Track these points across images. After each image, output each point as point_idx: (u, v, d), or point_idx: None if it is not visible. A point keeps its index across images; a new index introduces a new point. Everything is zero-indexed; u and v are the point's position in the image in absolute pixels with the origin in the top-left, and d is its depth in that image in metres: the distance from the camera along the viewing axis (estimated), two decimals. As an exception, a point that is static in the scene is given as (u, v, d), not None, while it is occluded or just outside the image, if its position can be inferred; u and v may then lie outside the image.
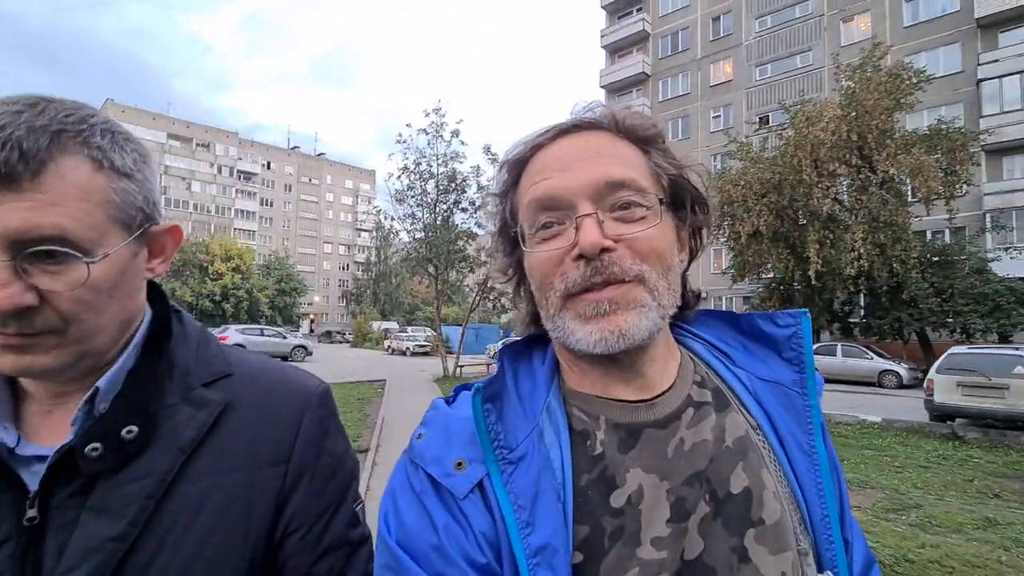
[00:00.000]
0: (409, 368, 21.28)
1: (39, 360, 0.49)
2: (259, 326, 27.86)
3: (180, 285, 51.58)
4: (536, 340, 0.68)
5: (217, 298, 52.01)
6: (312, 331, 54.91)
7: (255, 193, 72.41)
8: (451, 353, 19.98)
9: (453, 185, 17.79)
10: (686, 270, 0.68)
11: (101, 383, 0.54)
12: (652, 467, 0.57)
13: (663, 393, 0.61)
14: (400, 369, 20.56)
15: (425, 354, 29.47)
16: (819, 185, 15.93)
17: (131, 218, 0.53)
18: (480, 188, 17.82)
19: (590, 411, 0.61)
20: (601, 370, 0.61)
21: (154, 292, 0.64)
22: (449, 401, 0.66)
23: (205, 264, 53.30)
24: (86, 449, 0.50)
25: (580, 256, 0.55)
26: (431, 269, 18.54)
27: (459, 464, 0.57)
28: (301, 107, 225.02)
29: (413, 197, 18.18)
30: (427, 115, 17.65)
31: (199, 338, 0.64)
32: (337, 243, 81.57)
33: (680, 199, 0.64)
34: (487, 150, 17.30)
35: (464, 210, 17.82)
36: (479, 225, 17.93)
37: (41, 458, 0.52)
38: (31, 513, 0.50)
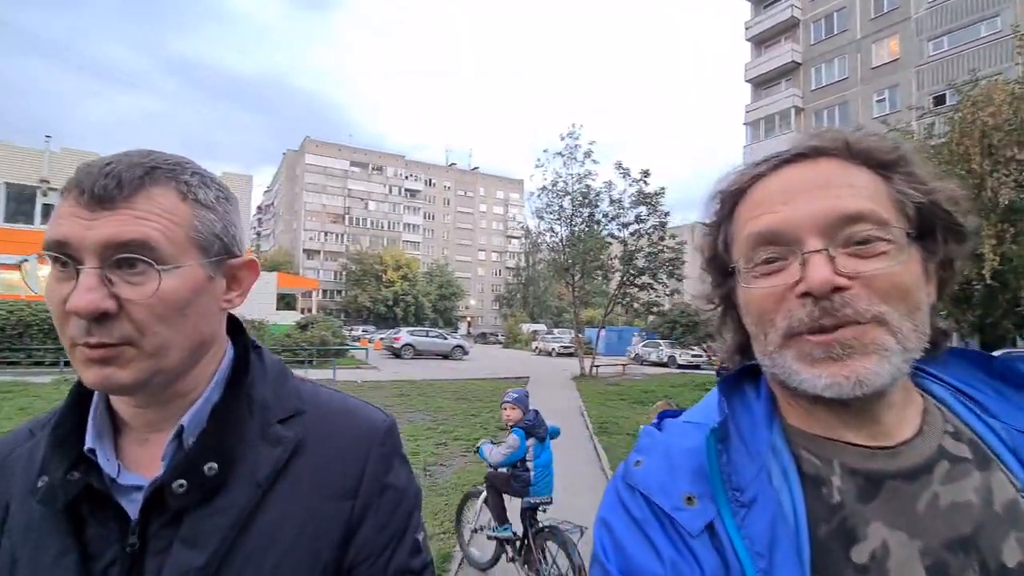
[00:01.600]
0: (552, 367, 23.02)
1: (118, 373, 0.52)
2: (424, 328, 31.80)
3: (360, 292, 59.88)
4: (746, 372, 0.64)
5: (390, 303, 59.23)
6: (469, 332, 59.78)
7: (419, 208, 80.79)
8: (592, 354, 21.37)
9: (586, 200, 19.25)
10: (933, 306, 0.58)
11: (185, 420, 0.58)
12: (899, 523, 0.51)
13: (906, 442, 0.55)
14: (544, 368, 22.41)
15: (570, 355, 31.17)
16: (993, 174, 14.43)
17: (208, 243, 0.57)
18: (612, 202, 19.08)
19: (821, 454, 0.55)
20: (827, 411, 0.55)
21: (235, 328, 0.68)
22: (658, 428, 0.64)
23: (379, 273, 61.09)
24: (173, 485, 0.55)
25: (807, 294, 0.50)
26: (568, 278, 20.19)
27: (689, 499, 0.54)
28: (456, 122, 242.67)
29: (551, 213, 20.02)
30: (563, 139, 19.44)
31: (277, 374, 0.67)
32: (490, 250, 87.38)
33: (929, 227, 0.56)
34: (619, 166, 18.50)
35: (597, 222, 19.14)
36: (612, 236, 19.15)
37: (138, 487, 0.57)
38: (132, 540, 0.54)
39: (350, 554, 0.62)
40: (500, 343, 47.95)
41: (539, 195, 20.20)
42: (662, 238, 19.50)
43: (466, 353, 27.26)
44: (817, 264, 0.50)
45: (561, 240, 20.03)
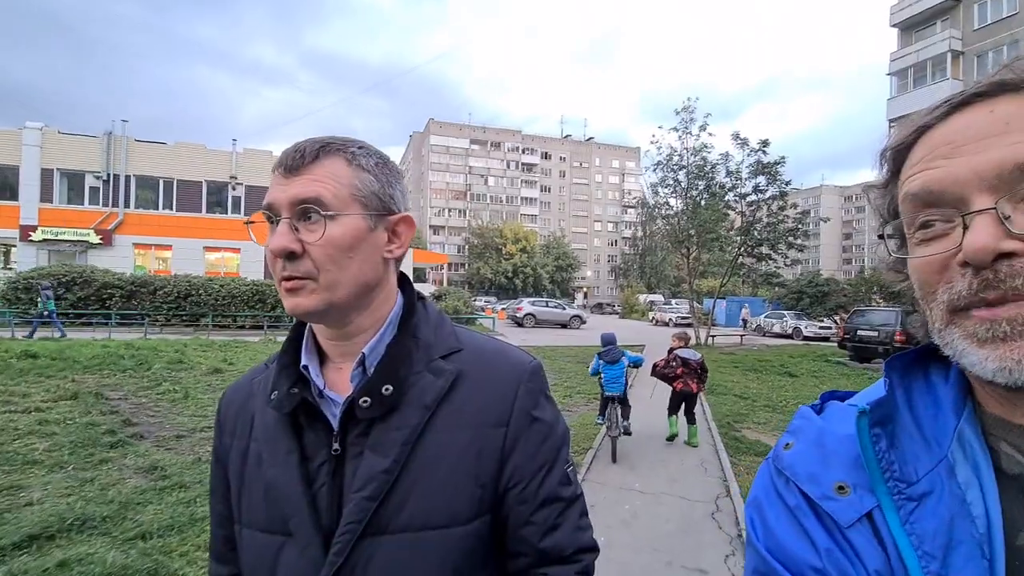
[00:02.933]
0: (667, 337, 23.54)
1: (303, 302, 0.68)
2: (544, 299, 33.53)
3: (483, 265, 63.35)
4: (934, 352, 0.52)
5: (509, 275, 62.03)
6: (585, 303, 60.94)
7: (535, 182, 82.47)
8: (708, 324, 21.64)
9: (702, 173, 19.38)
10: None
11: (366, 349, 0.73)
12: None
13: None
14: (659, 337, 22.98)
15: (688, 325, 31.39)
16: None
17: (368, 199, 0.71)
18: (729, 173, 19.05)
19: None
20: None
21: (404, 283, 0.82)
22: (817, 410, 0.59)
23: (499, 247, 64.02)
24: (359, 401, 0.69)
25: (966, 263, 0.43)
26: (683, 250, 20.57)
27: (841, 488, 0.50)
28: (570, 91, 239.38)
29: (666, 187, 20.42)
30: (677, 113, 19.61)
31: (437, 320, 0.80)
32: (606, 221, 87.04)
33: None
34: (735, 136, 18.40)
35: (714, 195, 19.24)
36: (728, 207, 19.17)
37: (336, 403, 0.72)
38: (335, 445, 0.70)
39: (504, 477, 0.72)
40: (616, 314, 48.58)
41: (654, 169, 20.67)
42: (783, 208, 19.12)
43: (584, 322, 28.58)
44: (979, 227, 0.43)
45: (677, 213, 20.40)
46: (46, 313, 14.49)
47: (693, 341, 20.44)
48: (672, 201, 20.41)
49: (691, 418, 6.40)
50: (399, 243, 0.76)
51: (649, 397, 8.47)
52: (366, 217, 0.70)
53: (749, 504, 0.59)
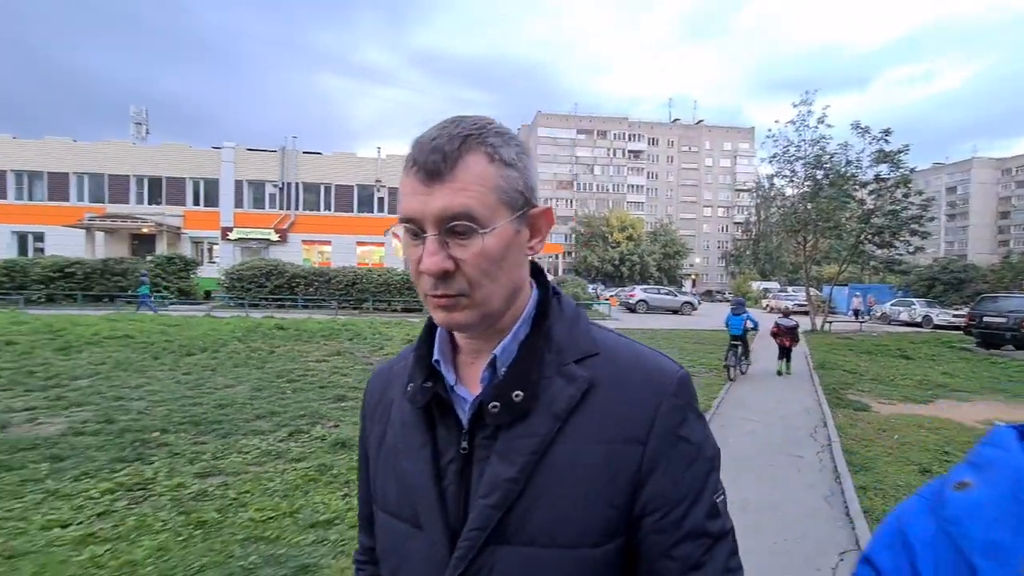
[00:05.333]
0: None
1: (456, 317, 0.64)
2: (656, 286, 34.76)
3: (589, 253, 64.89)
4: None
5: (616, 262, 63.03)
6: (693, 291, 60.47)
7: (642, 168, 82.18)
8: (825, 311, 21.89)
9: (819, 163, 19.75)
10: None
11: (497, 351, 0.68)
12: None
13: None
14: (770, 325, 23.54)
15: (805, 312, 31.19)
16: None
17: (513, 200, 0.64)
18: (848, 163, 19.29)
19: None
20: None
21: (538, 275, 0.75)
22: (1021, 435, 0.41)
23: (606, 235, 65.14)
24: (488, 405, 0.65)
25: None
26: (799, 238, 21.05)
27: None
28: (678, 71, 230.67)
29: (782, 178, 20.99)
30: (795, 106, 20.07)
31: (573, 317, 0.72)
32: (716, 206, 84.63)
33: None
34: (855, 126, 18.65)
35: (832, 183, 19.54)
36: (848, 196, 19.38)
37: (466, 400, 0.68)
38: (464, 444, 0.67)
39: (640, 502, 0.63)
40: (726, 301, 48.15)
41: (770, 162, 21.27)
42: (906, 195, 19.00)
43: (695, 308, 29.56)
44: None
45: (793, 203, 20.93)
46: (141, 296, 18.37)
47: (809, 328, 21.11)
48: (789, 191, 20.97)
49: (788, 360, 10.59)
50: (540, 238, 0.70)
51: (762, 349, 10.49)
52: (513, 220, 0.65)
53: (861, 563, 0.44)
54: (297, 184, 30.01)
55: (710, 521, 0.65)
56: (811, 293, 23.11)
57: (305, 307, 22.24)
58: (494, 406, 0.64)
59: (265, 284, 22.72)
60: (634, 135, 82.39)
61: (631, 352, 0.71)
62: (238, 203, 29.48)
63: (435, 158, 0.61)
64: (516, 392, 0.65)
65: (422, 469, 0.68)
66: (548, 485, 0.63)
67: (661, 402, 0.66)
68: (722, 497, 0.68)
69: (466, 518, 0.64)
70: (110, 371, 8.14)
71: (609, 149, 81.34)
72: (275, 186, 29.93)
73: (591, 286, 48.73)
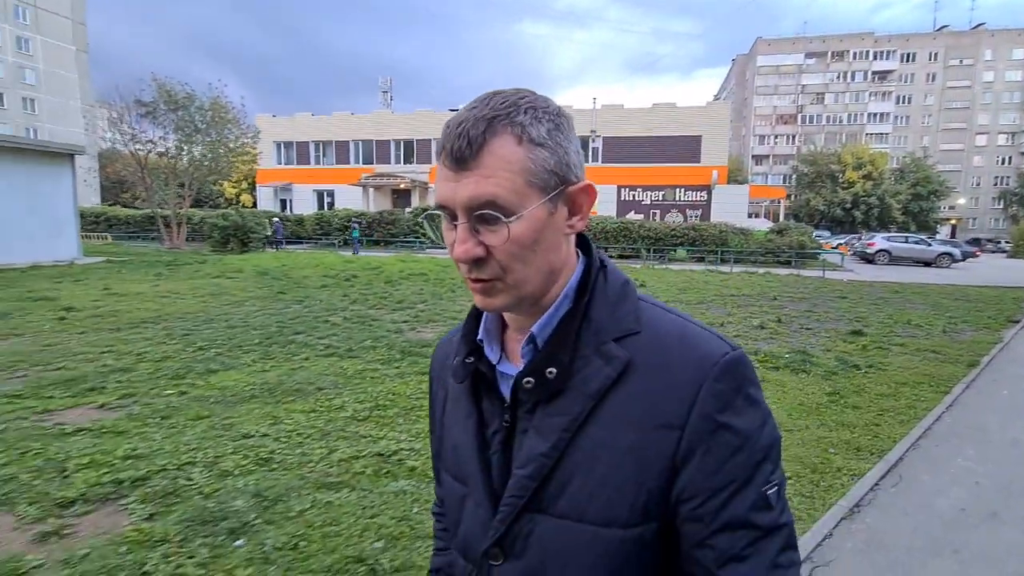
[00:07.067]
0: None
1: (493, 301, 0.65)
2: (903, 234, 30.42)
3: (813, 196, 57.96)
4: None
5: (847, 206, 55.34)
6: (952, 238, 50.46)
7: (889, 93, 69.11)
8: None
9: None
10: None
11: (535, 328, 0.68)
12: None
13: None
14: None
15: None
16: None
17: (544, 182, 0.62)
18: None
19: None
20: None
21: (586, 247, 0.73)
22: None
23: (836, 174, 57.21)
24: (523, 381, 0.66)
25: None
26: None
27: None
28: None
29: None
30: None
31: (618, 293, 0.70)
32: (995, 132, 67.62)
33: None
34: None
35: None
36: None
37: (509, 375, 0.70)
38: (506, 417, 0.69)
39: (676, 488, 0.62)
40: (1003, 252, 39.58)
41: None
42: None
43: (955, 260, 25.41)
44: None
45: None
46: (355, 239, 23.73)
47: None
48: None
49: None
50: (580, 215, 0.67)
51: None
52: (545, 203, 0.62)
53: None
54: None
55: (756, 513, 0.61)
56: None
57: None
58: (528, 382, 0.65)
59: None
60: (881, 52, 69.17)
61: (676, 331, 0.67)
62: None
63: (461, 144, 0.60)
64: (550, 369, 0.65)
65: (468, 438, 0.72)
66: (580, 463, 0.63)
67: (701, 386, 0.62)
68: (775, 489, 0.63)
69: (508, 484, 0.67)
70: (430, 298, 11.01)
71: (845, 73, 69.82)
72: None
73: (815, 233, 44.22)
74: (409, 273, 14.63)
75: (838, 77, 70.09)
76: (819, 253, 24.21)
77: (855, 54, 69.48)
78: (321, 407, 4.66)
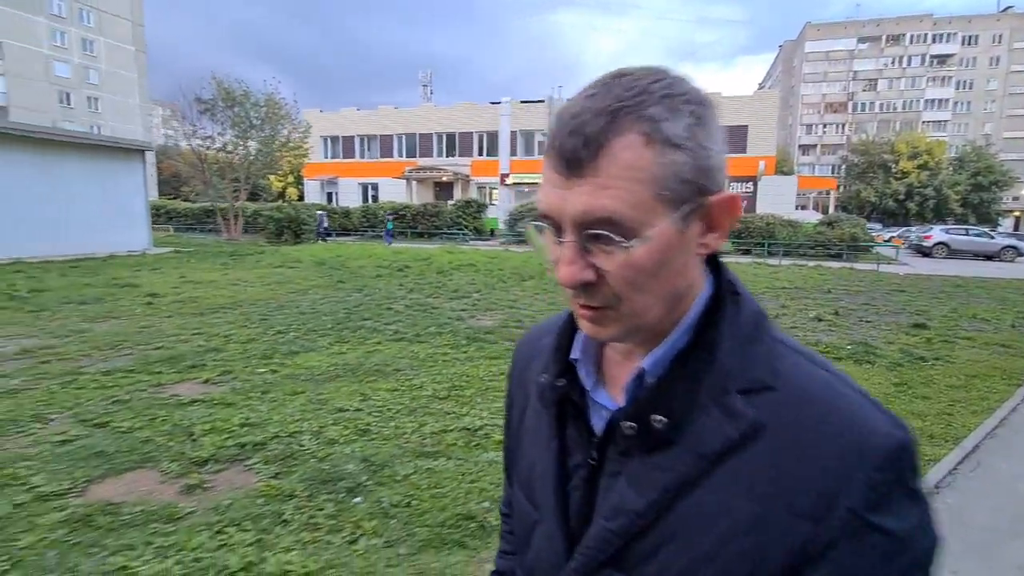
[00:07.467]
0: None
1: (602, 331, 0.55)
2: (962, 226, 29.16)
3: (864, 187, 55.82)
4: None
5: (900, 197, 53.14)
6: (1016, 230, 47.82)
7: (949, 78, 65.80)
8: None
9: None
10: None
11: (646, 364, 0.56)
12: None
13: None
14: None
15: None
16: None
17: (678, 193, 0.49)
18: None
19: None
20: None
21: (715, 268, 0.60)
22: None
23: (889, 164, 54.92)
24: (623, 425, 0.55)
25: None
26: None
27: None
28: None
29: None
30: None
31: (751, 331, 0.57)
32: (1067, 118, 63.64)
33: None
34: None
35: None
36: None
37: (603, 407, 0.60)
38: (593, 454, 0.59)
39: None
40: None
41: None
42: None
43: (1020, 254, 24.19)
44: None
45: None
46: (388, 230, 24.63)
47: None
48: None
49: None
50: (719, 232, 0.54)
51: None
52: (676, 220, 0.50)
53: None
54: (561, 131, 32.80)
55: None
56: None
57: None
58: (630, 427, 0.54)
59: (542, 224, 26.29)
60: (940, 35, 65.81)
61: (826, 395, 0.52)
62: (513, 151, 33.62)
63: (574, 143, 0.48)
64: (657, 417, 0.53)
65: (547, 464, 0.63)
66: (679, 531, 0.52)
67: (854, 474, 0.48)
68: None
69: (587, 525, 0.58)
70: (483, 288, 11.31)
71: (901, 57, 66.76)
72: (543, 134, 33.13)
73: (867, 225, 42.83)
74: (458, 264, 14.99)
75: (893, 62, 67.08)
76: (872, 246, 23.47)
77: (912, 37, 66.30)
78: (402, 386, 4.98)
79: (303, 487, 3.12)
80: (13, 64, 50.15)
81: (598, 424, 0.60)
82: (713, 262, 0.60)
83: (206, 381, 5.02)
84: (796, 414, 0.51)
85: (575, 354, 0.63)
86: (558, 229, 0.52)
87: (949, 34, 65.70)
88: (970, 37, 65.64)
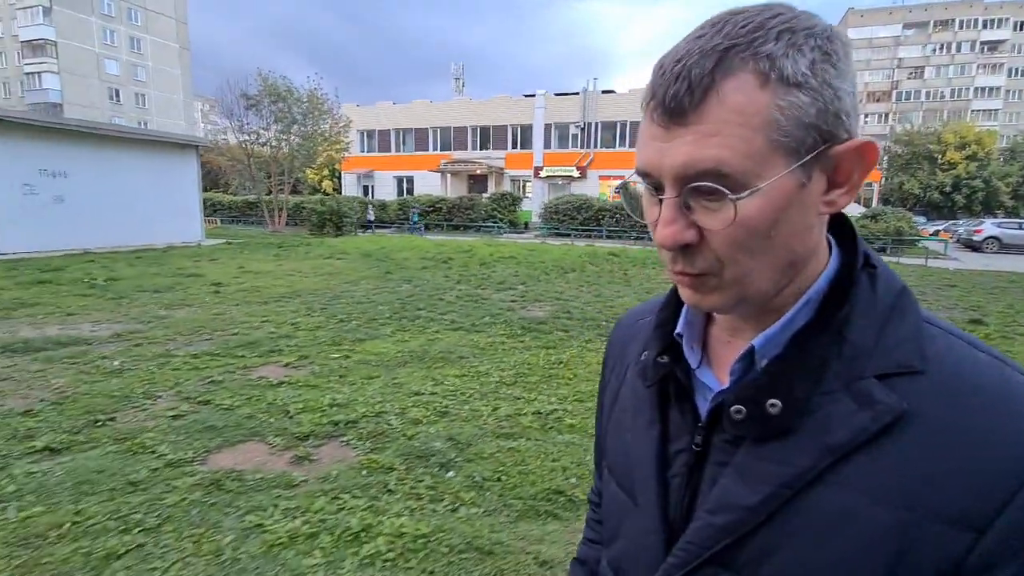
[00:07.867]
0: None
1: (705, 299, 0.49)
2: (1015, 219, 28.09)
3: (908, 179, 53.94)
4: None
5: (947, 189, 51.23)
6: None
7: (1001, 65, 62.84)
8: None
9: None
10: None
11: (757, 341, 0.50)
12: None
13: None
14: None
15: None
16: None
17: (798, 140, 0.42)
18: None
19: None
20: None
21: (844, 233, 0.53)
22: None
23: (935, 155, 52.95)
24: (731, 408, 0.49)
25: None
26: None
27: None
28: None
29: None
30: None
31: (891, 307, 0.48)
32: None
33: None
34: None
35: None
36: None
37: (710, 389, 0.54)
38: (697, 439, 0.53)
39: None
40: None
41: None
42: None
43: (1078, 250, 23.21)
44: None
45: None
46: (414, 222, 26.17)
47: None
48: None
49: None
50: (847, 187, 0.47)
51: None
52: (795, 171, 0.43)
53: None
54: (596, 123, 32.67)
55: None
56: None
57: (608, 237, 25.08)
58: (738, 411, 0.49)
59: (576, 216, 26.30)
60: (991, 21, 62.85)
61: (995, 382, 0.44)
62: (547, 144, 33.71)
63: (677, 89, 0.43)
64: (772, 401, 0.47)
65: (646, 449, 0.58)
66: (799, 531, 0.45)
67: None
68: None
69: (688, 518, 0.53)
70: (527, 280, 11.54)
71: (949, 44, 64.01)
72: (577, 127, 33.13)
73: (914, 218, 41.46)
74: (499, 256, 15.24)
75: (940, 48, 64.38)
76: (919, 240, 22.83)
77: (961, 23, 63.47)
78: (469, 373, 5.24)
79: (400, 461, 3.40)
80: (67, 63, 52.40)
81: (703, 407, 0.55)
82: (842, 227, 0.54)
83: (287, 365, 5.37)
84: (953, 403, 0.44)
85: (679, 328, 0.58)
86: (657, 187, 0.47)
87: (1001, 20, 62.65)
88: (1022, 23, 62.53)
